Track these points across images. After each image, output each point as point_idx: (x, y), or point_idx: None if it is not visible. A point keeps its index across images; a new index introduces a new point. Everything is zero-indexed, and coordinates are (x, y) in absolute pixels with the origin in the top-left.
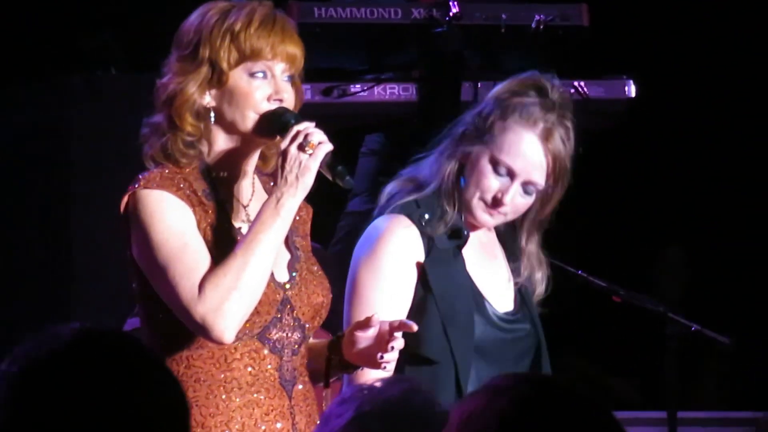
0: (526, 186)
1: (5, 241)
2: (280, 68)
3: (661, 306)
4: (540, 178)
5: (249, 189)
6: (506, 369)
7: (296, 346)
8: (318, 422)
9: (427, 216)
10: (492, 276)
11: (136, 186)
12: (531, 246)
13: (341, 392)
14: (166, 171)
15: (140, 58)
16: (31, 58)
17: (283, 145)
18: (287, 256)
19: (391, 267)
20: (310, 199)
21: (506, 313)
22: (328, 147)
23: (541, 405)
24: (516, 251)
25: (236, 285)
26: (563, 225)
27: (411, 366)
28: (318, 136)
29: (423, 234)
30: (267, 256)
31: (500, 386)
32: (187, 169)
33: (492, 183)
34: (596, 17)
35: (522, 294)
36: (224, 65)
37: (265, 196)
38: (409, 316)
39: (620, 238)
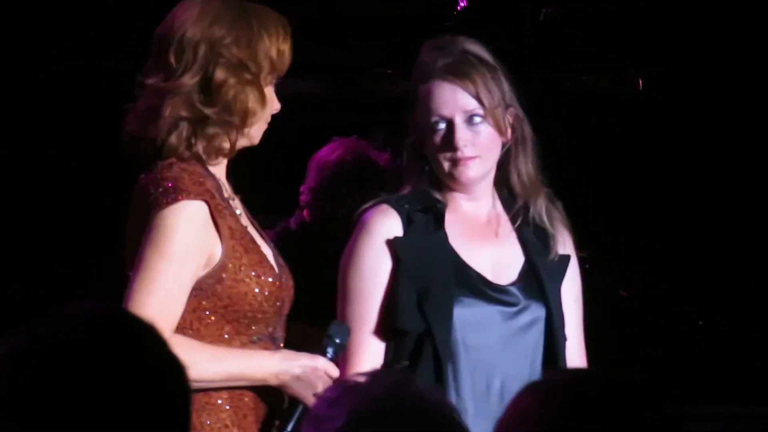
0: (468, 119)
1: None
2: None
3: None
4: (471, 103)
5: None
6: (503, 343)
7: (281, 340)
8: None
9: (403, 195)
10: (485, 250)
11: (179, 197)
12: (522, 173)
13: (327, 390)
14: (190, 170)
15: None
16: None
17: (312, 361)
18: (270, 250)
19: (364, 250)
20: None
21: (503, 285)
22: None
23: (593, 410)
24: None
25: (191, 374)
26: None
27: (392, 341)
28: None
29: (401, 214)
30: (223, 381)
31: (553, 386)
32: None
33: (438, 139)
34: None
35: (538, 277)
36: (264, 82)
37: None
38: (387, 292)
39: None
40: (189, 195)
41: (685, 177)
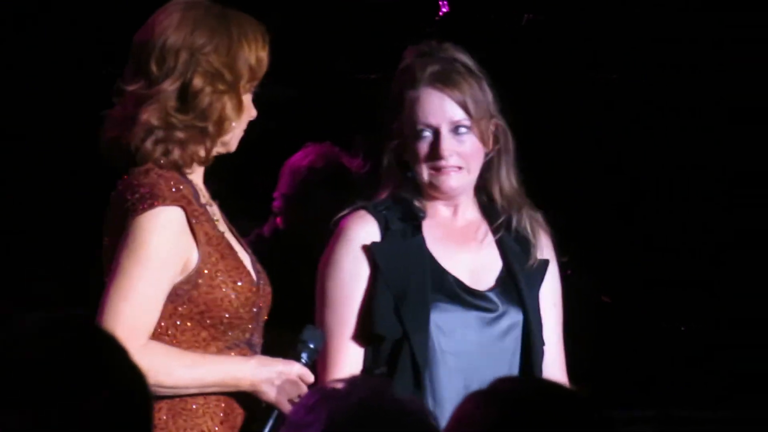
0: (454, 129)
1: None
2: None
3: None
4: (459, 114)
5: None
6: (481, 348)
7: (259, 346)
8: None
9: (381, 201)
10: (463, 255)
11: (155, 203)
12: (505, 185)
13: (305, 396)
14: (167, 176)
15: None
16: None
17: (287, 367)
18: (247, 256)
19: (342, 256)
20: None
21: (481, 290)
22: (283, 412)
23: (530, 417)
24: (498, 220)
25: (167, 380)
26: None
27: (370, 346)
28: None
29: (378, 219)
30: (198, 387)
31: (495, 391)
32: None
33: (422, 147)
34: None
35: (516, 283)
36: (243, 89)
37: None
38: (365, 298)
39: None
40: (165, 201)
41: (670, 181)
